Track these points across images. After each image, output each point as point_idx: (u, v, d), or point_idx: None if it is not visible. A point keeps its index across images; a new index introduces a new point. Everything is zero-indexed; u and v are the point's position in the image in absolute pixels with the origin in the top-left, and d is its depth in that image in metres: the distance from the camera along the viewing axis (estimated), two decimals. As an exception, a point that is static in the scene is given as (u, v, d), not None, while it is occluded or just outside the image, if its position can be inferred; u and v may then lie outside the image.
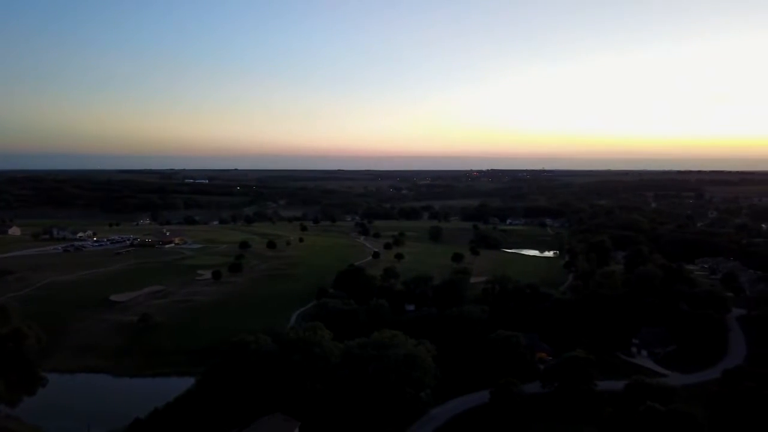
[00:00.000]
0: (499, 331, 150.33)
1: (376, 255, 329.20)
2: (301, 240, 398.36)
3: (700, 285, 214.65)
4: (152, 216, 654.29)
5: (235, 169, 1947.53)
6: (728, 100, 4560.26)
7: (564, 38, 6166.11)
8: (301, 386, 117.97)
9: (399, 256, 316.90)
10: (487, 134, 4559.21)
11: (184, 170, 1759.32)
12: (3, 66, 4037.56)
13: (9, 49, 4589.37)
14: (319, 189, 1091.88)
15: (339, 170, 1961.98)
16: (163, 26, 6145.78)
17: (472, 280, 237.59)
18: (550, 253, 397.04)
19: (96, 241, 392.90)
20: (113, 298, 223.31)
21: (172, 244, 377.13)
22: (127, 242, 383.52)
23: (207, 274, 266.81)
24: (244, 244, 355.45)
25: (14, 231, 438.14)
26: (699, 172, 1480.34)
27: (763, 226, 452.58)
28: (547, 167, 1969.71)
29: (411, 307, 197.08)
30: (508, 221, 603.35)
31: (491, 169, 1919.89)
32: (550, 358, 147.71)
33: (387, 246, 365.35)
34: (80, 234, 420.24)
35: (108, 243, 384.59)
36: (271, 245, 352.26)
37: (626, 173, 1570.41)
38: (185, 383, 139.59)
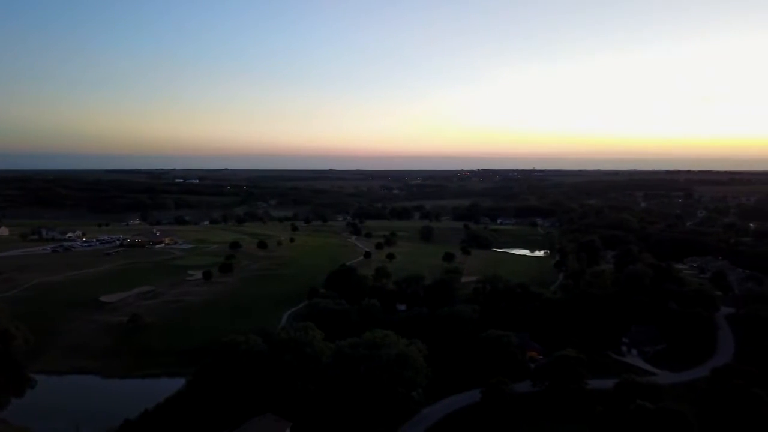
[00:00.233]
0: (490, 330, 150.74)
1: (367, 255, 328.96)
2: (292, 240, 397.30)
3: (689, 284, 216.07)
4: (142, 216, 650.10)
5: (226, 169, 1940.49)
6: (717, 100, 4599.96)
7: (556, 40, 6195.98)
8: (292, 386, 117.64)
9: (390, 256, 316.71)
10: (478, 134, 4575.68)
11: (174, 170, 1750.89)
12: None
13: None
14: (310, 189, 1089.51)
15: (330, 170, 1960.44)
16: (152, 26, 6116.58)
17: (463, 279, 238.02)
18: (540, 253, 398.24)
19: (85, 242, 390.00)
20: (103, 298, 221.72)
21: (162, 245, 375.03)
22: (117, 242, 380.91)
23: (197, 275, 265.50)
24: (234, 244, 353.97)
25: (2, 231, 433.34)
26: (688, 171, 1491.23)
27: (751, 225, 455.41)
28: (538, 167, 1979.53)
29: (402, 307, 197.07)
30: (499, 221, 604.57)
31: (482, 169, 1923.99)
32: (541, 357, 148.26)
33: (378, 246, 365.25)
34: (69, 234, 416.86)
35: (97, 243, 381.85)
36: (262, 245, 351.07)
37: (616, 173, 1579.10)
38: (175, 384, 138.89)
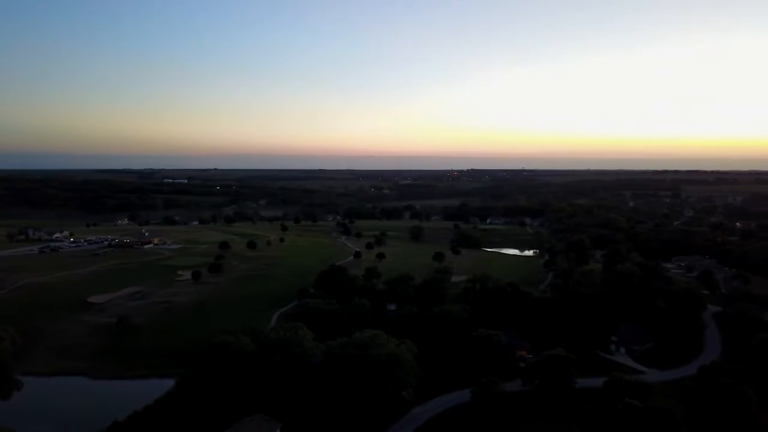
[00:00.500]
0: (479, 329, 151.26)
1: (357, 255, 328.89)
2: (281, 240, 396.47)
3: (676, 283, 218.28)
4: (131, 216, 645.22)
5: (215, 169, 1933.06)
6: (705, 101, 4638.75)
7: (544, 41, 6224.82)
8: (282, 387, 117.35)
9: (380, 256, 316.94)
10: (468, 134, 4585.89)
11: (163, 170, 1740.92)
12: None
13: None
14: (300, 189, 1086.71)
15: (320, 170, 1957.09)
16: (140, 27, 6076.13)
17: (453, 279, 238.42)
18: (530, 252, 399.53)
19: (73, 242, 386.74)
20: (91, 299, 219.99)
21: (151, 245, 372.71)
22: (105, 243, 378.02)
23: (187, 275, 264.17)
24: (224, 245, 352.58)
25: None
26: (675, 171, 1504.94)
27: (738, 224, 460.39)
28: (527, 167, 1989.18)
29: (392, 307, 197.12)
30: (489, 220, 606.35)
31: (472, 169, 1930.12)
32: (531, 356, 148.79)
33: (368, 246, 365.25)
34: (57, 235, 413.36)
35: (85, 244, 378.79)
36: (252, 245, 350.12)
37: (604, 173, 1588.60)
38: (165, 385, 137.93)
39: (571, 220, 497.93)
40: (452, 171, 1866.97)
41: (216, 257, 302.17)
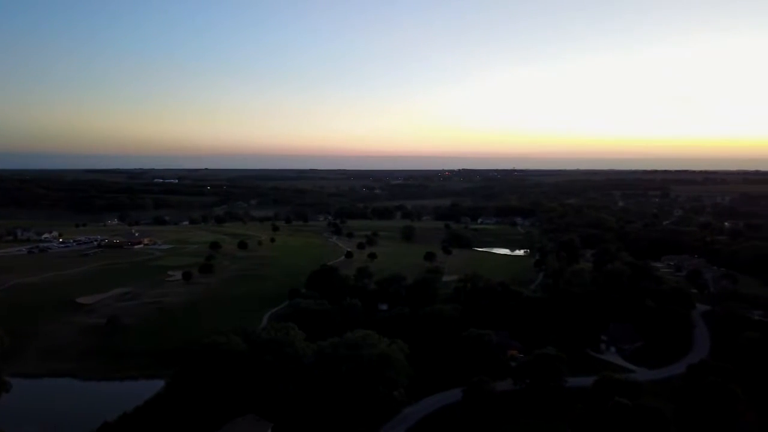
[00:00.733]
0: (471, 329, 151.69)
1: (349, 255, 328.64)
2: (272, 240, 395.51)
3: (666, 282, 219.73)
4: (120, 216, 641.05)
5: (206, 169, 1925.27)
6: (694, 102, 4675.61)
7: (536, 42, 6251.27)
8: (273, 387, 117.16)
9: (372, 256, 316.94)
10: (459, 134, 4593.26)
11: (153, 170, 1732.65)
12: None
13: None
14: (291, 189, 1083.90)
15: (311, 170, 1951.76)
16: (130, 25, 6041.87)
17: (445, 278, 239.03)
18: (520, 252, 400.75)
19: (62, 243, 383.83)
20: (80, 300, 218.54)
21: (141, 245, 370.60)
22: (95, 243, 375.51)
23: (177, 275, 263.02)
24: (214, 245, 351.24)
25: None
26: (665, 171, 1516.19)
27: (726, 224, 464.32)
28: (518, 167, 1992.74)
29: (384, 307, 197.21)
30: (480, 220, 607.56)
31: (463, 169, 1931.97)
32: (522, 355, 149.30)
33: (360, 245, 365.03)
34: (45, 235, 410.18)
35: (74, 244, 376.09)
36: (243, 245, 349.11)
37: (594, 173, 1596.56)
38: (155, 386, 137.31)
39: (561, 219, 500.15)
40: (443, 171, 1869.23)
41: (207, 257, 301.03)
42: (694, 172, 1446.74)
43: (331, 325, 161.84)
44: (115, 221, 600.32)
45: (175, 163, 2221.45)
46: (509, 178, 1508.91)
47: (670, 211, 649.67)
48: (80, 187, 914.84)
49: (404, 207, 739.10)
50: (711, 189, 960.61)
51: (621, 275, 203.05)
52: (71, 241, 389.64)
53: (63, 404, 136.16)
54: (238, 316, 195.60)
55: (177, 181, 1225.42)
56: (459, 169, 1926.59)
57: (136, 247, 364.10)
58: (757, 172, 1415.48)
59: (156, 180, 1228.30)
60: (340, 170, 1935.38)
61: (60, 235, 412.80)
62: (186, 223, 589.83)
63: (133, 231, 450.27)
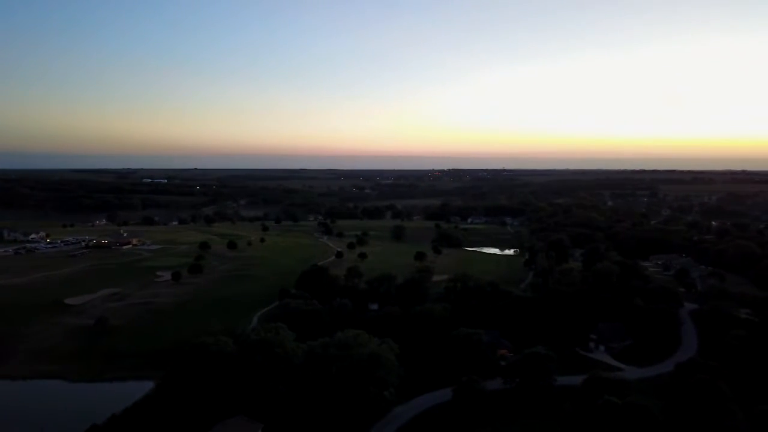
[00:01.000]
0: (461, 328, 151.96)
1: (339, 254, 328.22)
2: (262, 240, 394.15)
3: (654, 281, 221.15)
4: (109, 216, 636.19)
5: (195, 169, 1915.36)
6: (682, 102, 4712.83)
7: (524, 41, 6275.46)
8: (263, 388, 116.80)
9: (362, 256, 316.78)
10: (448, 134, 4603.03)
11: (141, 169, 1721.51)
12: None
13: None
14: (281, 188, 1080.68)
15: (301, 169, 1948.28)
16: (119, 24, 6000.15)
17: (435, 278, 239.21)
18: (510, 251, 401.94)
19: (49, 243, 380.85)
20: (68, 301, 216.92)
21: (130, 246, 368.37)
22: (82, 244, 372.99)
23: (166, 276, 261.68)
24: (204, 245, 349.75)
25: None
26: (653, 171, 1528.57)
27: (714, 223, 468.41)
28: (508, 167, 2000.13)
29: (374, 306, 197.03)
30: (470, 220, 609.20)
31: (453, 169, 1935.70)
32: (511, 354, 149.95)
33: (350, 245, 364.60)
34: (33, 235, 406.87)
35: (62, 245, 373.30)
36: (232, 245, 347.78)
37: (584, 173, 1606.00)
38: (144, 387, 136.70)
39: (550, 219, 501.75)
40: (433, 171, 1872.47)
41: (196, 258, 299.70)
42: (682, 171, 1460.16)
43: (321, 325, 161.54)
44: (104, 221, 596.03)
45: (164, 162, 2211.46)
46: (499, 177, 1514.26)
47: (658, 211, 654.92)
48: (68, 187, 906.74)
49: (394, 207, 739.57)
50: (698, 189, 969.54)
51: (610, 274, 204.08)
52: (59, 241, 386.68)
53: (51, 406, 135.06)
54: (228, 316, 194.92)
55: (166, 180, 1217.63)
56: (449, 169, 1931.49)
57: (124, 247, 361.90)
58: (743, 172, 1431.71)
59: (145, 180, 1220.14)
60: (330, 170, 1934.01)
61: (47, 236, 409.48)
62: (175, 223, 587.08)
63: (122, 231, 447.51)
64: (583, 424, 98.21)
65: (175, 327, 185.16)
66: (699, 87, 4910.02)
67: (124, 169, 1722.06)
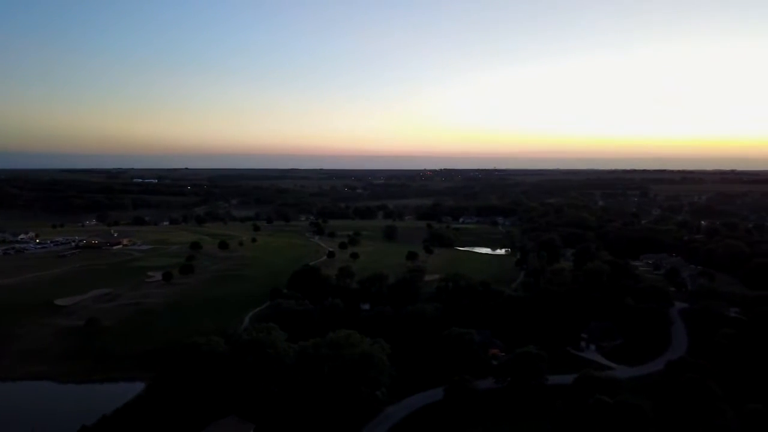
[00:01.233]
0: (452, 328, 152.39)
1: (331, 254, 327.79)
2: (254, 240, 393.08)
3: (644, 280, 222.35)
4: (99, 217, 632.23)
5: (186, 168, 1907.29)
6: (672, 102, 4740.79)
7: (515, 42, 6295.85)
8: (255, 388, 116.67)
9: (354, 256, 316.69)
10: (440, 134, 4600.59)
11: (132, 169, 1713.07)
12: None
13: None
14: (273, 188, 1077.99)
15: (293, 169, 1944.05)
16: (107, 24, 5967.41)
17: (427, 278, 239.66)
18: (502, 251, 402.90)
19: (39, 243, 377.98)
20: (58, 302, 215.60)
21: (121, 246, 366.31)
22: (72, 244, 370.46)
23: (157, 276, 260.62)
24: (195, 245, 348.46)
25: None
26: (643, 171, 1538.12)
27: (703, 222, 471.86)
28: (499, 167, 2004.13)
29: (366, 306, 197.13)
30: (461, 220, 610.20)
31: (444, 169, 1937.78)
32: (503, 354, 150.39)
33: (342, 245, 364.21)
34: (22, 236, 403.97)
35: (52, 245, 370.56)
36: (223, 246, 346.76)
37: (575, 172, 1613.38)
38: (135, 388, 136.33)
39: (542, 219, 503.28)
40: (425, 171, 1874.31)
41: (187, 258, 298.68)
42: (672, 171, 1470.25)
43: (313, 325, 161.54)
44: (94, 221, 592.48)
45: (154, 162, 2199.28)
46: (490, 177, 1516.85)
47: (648, 210, 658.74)
48: (57, 187, 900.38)
49: (386, 207, 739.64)
50: (688, 188, 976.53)
51: (601, 274, 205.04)
52: (48, 241, 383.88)
53: (41, 407, 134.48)
54: (220, 316, 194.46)
55: (157, 180, 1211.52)
56: (440, 169, 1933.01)
57: (115, 247, 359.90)
58: (732, 172, 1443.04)
59: (135, 180, 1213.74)
60: (321, 170, 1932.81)
61: (37, 236, 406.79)
62: (166, 223, 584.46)
63: (112, 231, 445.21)
64: (575, 423, 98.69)
65: (166, 327, 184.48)
66: (689, 88, 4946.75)
67: (114, 169, 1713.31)
